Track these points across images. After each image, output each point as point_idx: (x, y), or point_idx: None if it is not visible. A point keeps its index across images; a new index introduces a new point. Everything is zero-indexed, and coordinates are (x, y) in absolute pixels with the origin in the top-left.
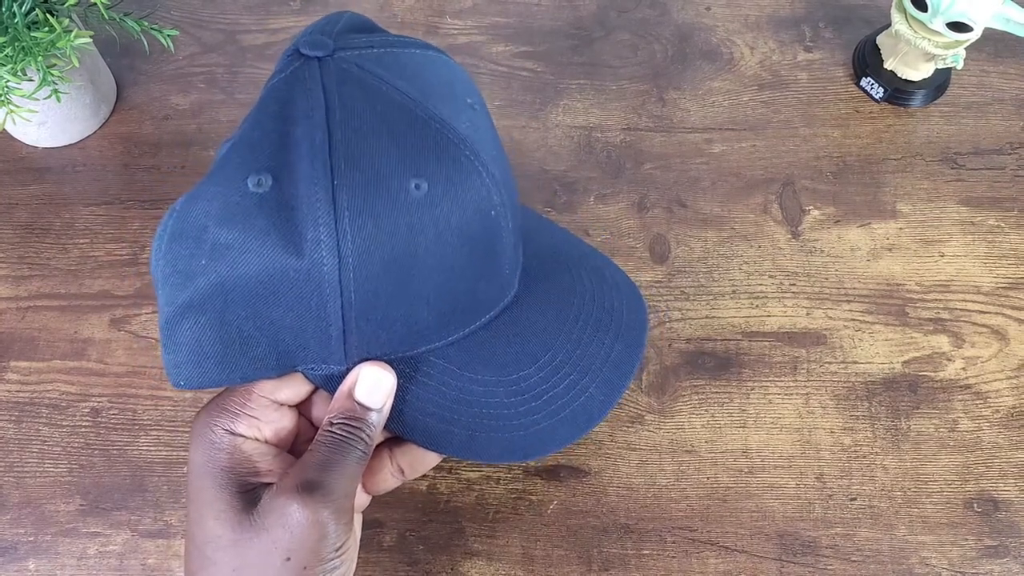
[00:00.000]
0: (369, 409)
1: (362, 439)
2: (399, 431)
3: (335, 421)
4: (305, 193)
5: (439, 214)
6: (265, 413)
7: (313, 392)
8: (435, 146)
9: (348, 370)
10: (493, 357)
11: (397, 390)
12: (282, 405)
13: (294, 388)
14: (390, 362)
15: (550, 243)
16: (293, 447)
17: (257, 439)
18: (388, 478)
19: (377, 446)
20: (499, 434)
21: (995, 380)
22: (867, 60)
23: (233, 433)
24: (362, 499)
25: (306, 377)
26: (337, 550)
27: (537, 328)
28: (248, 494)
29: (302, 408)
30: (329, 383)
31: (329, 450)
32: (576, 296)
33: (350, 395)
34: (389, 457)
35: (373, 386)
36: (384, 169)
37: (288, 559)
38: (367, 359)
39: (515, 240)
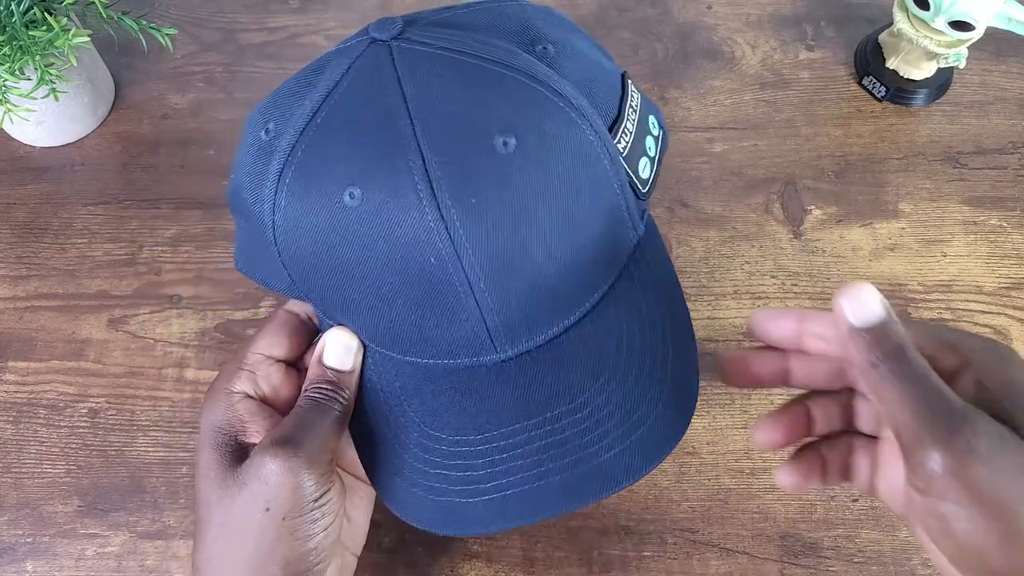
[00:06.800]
0: (340, 371)
1: (338, 400)
2: (351, 432)
3: (310, 388)
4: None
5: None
6: (260, 367)
7: (306, 350)
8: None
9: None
10: (447, 409)
11: (357, 395)
12: (277, 361)
13: (286, 345)
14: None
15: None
16: None
17: (253, 395)
18: None
19: None
20: (415, 489)
21: None
22: (869, 59)
23: (230, 391)
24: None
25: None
26: (316, 500)
27: (510, 399)
28: (237, 453)
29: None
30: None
31: (306, 411)
32: (601, 379)
33: (320, 362)
34: None
35: (341, 350)
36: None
37: (267, 509)
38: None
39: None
